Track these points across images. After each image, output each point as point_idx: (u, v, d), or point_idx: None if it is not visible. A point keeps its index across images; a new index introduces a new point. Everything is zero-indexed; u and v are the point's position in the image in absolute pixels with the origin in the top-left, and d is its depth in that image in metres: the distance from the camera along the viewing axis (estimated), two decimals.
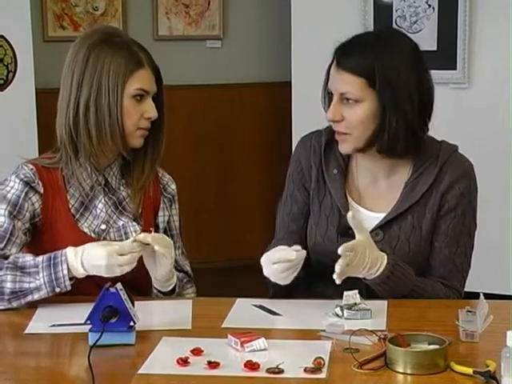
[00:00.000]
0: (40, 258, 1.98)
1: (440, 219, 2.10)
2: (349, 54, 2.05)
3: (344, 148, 2.10)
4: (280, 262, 1.94)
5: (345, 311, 1.86)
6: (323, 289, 2.07)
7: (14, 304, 1.97)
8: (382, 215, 2.11)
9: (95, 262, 1.94)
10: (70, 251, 1.97)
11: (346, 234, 2.07)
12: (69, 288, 1.97)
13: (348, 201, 2.14)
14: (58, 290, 1.96)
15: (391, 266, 1.97)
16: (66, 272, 1.95)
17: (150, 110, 2.10)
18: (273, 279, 1.99)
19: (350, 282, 2.00)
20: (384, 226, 2.10)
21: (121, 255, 1.94)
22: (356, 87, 2.02)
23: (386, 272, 1.96)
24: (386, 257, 1.97)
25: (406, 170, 2.13)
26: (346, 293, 1.88)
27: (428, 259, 2.11)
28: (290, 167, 2.24)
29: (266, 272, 1.98)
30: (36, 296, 1.97)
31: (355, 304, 1.88)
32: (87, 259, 1.95)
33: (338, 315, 1.87)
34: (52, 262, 1.96)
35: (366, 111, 2.03)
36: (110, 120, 2.06)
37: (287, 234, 2.18)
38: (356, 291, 1.89)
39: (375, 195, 2.15)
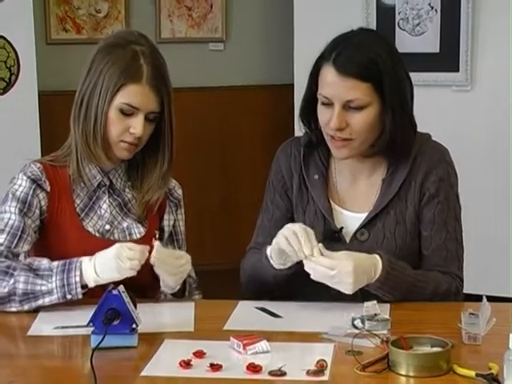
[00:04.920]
0: (55, 263, 1.98)
1: (424, 208, 2.09)
2: (349, 58, 1.99)
3: (344, 153, 2.07)
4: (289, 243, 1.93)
5: (366, 322, 1.81)
6: (318, 296, 2.06)
7: (26, 307, 1.97)
8: (364, 215, 2.11)
9: (105, 256, 1.93)
10: (85, 258, 1.96)
11: (333, 237, 2.08)
12: (80, 296, 1.95)
13: (331, 205, 2.14)
14: (69, 296, 1.95)
15: (386, 269, 1.95)
16: (78, 279, 1.94)
17: (136, 126, 2.05)
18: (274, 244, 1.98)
19: None
20: (368, 224, 2.09)
21: (130, 249, 1.93)
22: (364, 93, 1.99)
23: (383, 273, 1.95)
24: (379, 258, 1.95)
25: (382, 167, 2.13)
26: (366, 303, 1.85)
27: (417, 251, 2.11)
28: (270, 176, 2.22)
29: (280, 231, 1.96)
30: (47, 300, 1.96)
31: (375, 315, 1.84)
32: (98, 258, 1.94)
33: (357, 327, 1.81)
34: (67, 267, 1.96)
35: (373, 115, 2.02)
36: (95, 124, 2.06)
37: (268, 238, 2.07)
38: (375, 302, 1.86)
39: (355, 196, 2.14)
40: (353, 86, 1.98)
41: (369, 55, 2.00)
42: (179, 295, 2.11)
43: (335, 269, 1.89)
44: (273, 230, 2.10)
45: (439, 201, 2.09)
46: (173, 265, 1.98)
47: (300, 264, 1.95)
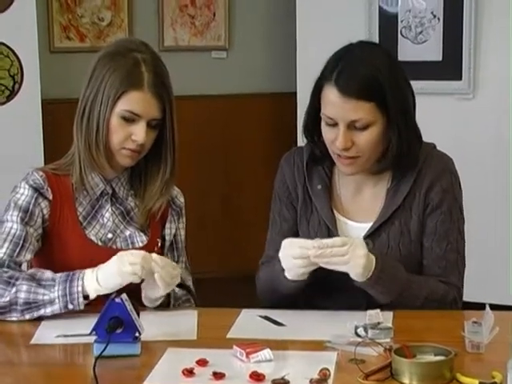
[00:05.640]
0: (59, 274, 1.98)
1: (427, 218, 2.10)
2: (351, 78, 1.98)
3: (350, 170, 2.07)
4: (301, 258, 1.93)
5: (369, 331, 1.80)
6: (324, 301, 2.06)
7: (27, 316, 1.96)
8: (369, 225, 2.11)
9: (107, 264, 1.93)
10: (88, 270, 1.96)
11: None
12: (82, 307, 1.95)
13: (334, 215, 2.14)
14: (70, 306, 1.95)
15: (380, 265, 1.95)
16: (80, 289, 1.94)
17: (138, 133, 2.05)
18: (290, 274, 1.97)
19: (350, 295, 1.99)
20: (372, 234, 2.09)
21: (132, 254, 1.93)
22: (368, 112, 1.98)
23: (376, 272, 1.94)
24: (373, 258, 1.94)
25: (386, 177, 2.13)
26: (368, 312, 1.85)
27: (421, 261, 2.11)
28: (275, 187, 2.22)
29: (284, 263, 1.96)
30: (49, 310, 1.95)
31: (378, 323, 1.83)
32: (101, 267, 1.94)
33: (359, 335, 1.80)
34: (69, 277, 1.96)
35: (377, 133, 2.01)
36: (97, 132, 2.07)
37: (278, 252, 2.04)
38: (378, 310, 1.86)
39: (360, 206, 2.14)
40: (356, 107, 1.97)
41: (371, 73, 1.98)
42: (162, 305, 2.09)
43: (347, 243, 1.89)
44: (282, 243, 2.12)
45: (442, 211, 2.09)
46: (169, 274, 1.96)
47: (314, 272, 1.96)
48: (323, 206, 2.13)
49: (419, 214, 2.09)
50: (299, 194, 2.17)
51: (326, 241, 1.92)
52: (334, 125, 2.01)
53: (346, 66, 2.00)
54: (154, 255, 1.95)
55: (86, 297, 1.95)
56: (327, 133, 2.05)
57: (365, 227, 2.11)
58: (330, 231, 2.11)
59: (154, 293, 2.00)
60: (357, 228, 2.12)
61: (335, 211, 2.14)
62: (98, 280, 1.93)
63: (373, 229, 2.09)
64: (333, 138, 2.03)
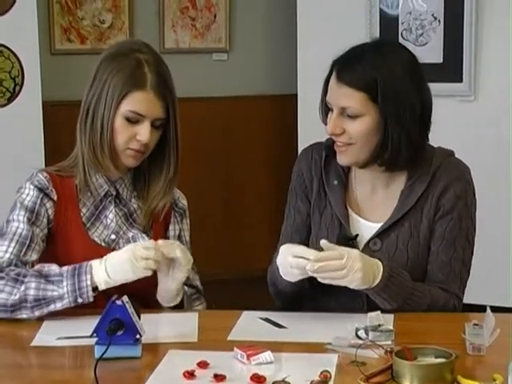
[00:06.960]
0: (65, 268, 1.99)
1: (436, 223, 2.09)
2: (349, 67, 2.03)
3: (343, 159, 2.09)
4: (298, 267, 1.93)
5: (370, 333, 1.80)
6: (326, 301, 2.07)
7: (37, 313, 1.97)
8: (380, 225, 2.11)
9: (119, 258, 1.95)
10: (95, 261, 1.98)
11: (347, 244, 2.07)
12: (91, 299, 1.96)
13: (348, 211, 2.14)
14: (80, 300, 1.96)
15: (387, 272, 1.95)
16: (89, 282, 1.95)
17: (142, 133, 2.06)
18: (287, 278, 1.98)
19: (351, 295, 1.99)
20: (382, 234, 2.10)
21: (145, 249, 1.94)
22: (357, 102, 2.01)
23: (383, 280, 1.94)
24: (381, 265, 1.95)
25: (402, 179, 2.13)
26: (369, 314, 1.85)
27: (426, 265, 2.11)
28: (292, 179, 2.24)
29: (281, 269, 1.97)
30: (59, 305, 1.96)
31: (379, 325, 1.83)
32: (111, 260, 1.96)
33: (360, 338, 1.80)
34: (77, 271, 1.97)
35: (367, 125, 2.03)
36: (102, 133, 2.08)
37: None
38: (379, 312, 1.86)
39: (373, 205, 2.15)
40: (346, 94, 2.02)
41: (368, 65, 2.01)
42: (178, 307, 2.10)
43: (344, 256, 1.88)
44: (294, 236, 2.15)
45: (452, 217, 2.08)
46: (180, 247, 1.99)
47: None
48: (337, 202, 2.14)
49: (430, 217, 2.09)
50: (314, 187, 2.19)
51: (323, 254, 1.91)
52: (332, 110, 2.06)
53: (350, 56, 2.06)
54: (160, 242, 1.97)
55: (94, 288, 1.96)
56: (328, 119, 2.08)
57: (376, 226, 2.11)
58: (342, 226, 2.12)
59: (171, 284, 2.02)
60: (368, 227, 2.12)
61: (349, 208, 2.15)
62: (107, 272, 1.95)
63: (383, 228, 2.10)
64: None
